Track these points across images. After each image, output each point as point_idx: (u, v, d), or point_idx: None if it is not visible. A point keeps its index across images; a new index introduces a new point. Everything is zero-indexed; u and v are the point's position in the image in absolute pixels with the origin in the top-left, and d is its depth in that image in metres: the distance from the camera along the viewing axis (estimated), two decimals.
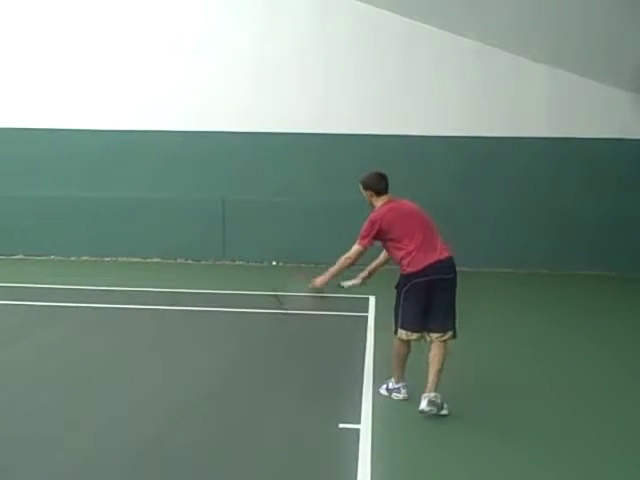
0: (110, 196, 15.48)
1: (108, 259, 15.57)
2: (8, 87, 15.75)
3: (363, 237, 6.77)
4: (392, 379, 6.69)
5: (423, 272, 6.49)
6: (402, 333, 6.54)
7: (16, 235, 15.61)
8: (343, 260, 6.80)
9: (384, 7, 14.94)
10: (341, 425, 5.74)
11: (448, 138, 15.04)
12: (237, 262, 15.46)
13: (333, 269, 6.80)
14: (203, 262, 15.51)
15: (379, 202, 6.93)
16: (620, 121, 14.61)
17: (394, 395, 6.60)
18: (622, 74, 14.21)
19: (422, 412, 6.05)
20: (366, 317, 9.99)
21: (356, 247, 6.78)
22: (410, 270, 6.54)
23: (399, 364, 6.65)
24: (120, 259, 15.57)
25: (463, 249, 15.28)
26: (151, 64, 15.52)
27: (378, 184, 6.99)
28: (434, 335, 6.52)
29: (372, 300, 11.16)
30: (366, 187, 7.03)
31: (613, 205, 14.90)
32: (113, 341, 8.58)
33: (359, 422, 5.83)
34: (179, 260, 15.59)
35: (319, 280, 6.81)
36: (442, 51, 15.10)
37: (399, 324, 6.57)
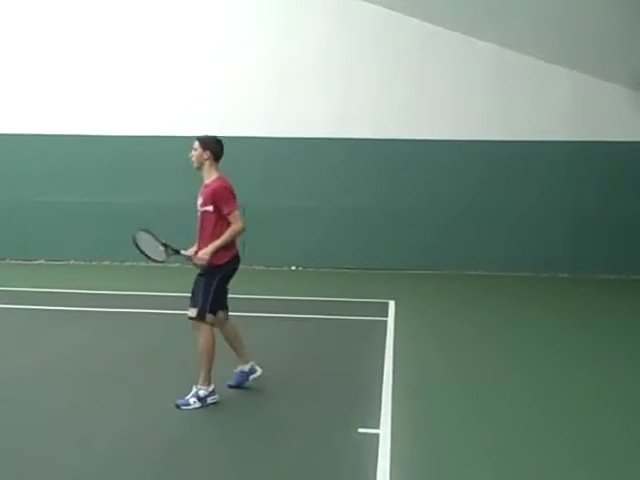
0: (131, 201, 15.57)
1: (128, 264, 15.65)
2: (35, 94, 15.90)
3: (235, 204, 6.53)
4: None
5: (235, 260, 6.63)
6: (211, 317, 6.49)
7: (37, 240, 15.75)
8: (236, 234, 6.52)
9: (403, 11, 14.96)
10: (361, 430, 5.72)
11: (467, 142, 15.01)
12: (256, 267, 15.49)
13: (222, 242, 6.46)
14: None
15: (215, 171, 6.76)
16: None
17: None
18: None
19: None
20: (385, 321, 9.97)
21: (237, 214, 6.47)
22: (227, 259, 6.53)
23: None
24: (140, 264, 15.61)
25: (483, 253, 15.42)
26: (172, 70, 15.63)
27: (221, 149, 6.81)
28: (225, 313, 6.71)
29: (392, 305, 11.15)
30: (206, 148, 6.72)
31: (634, 208, 14.80)
32: (133, 345, 8.62)
33: (378, 427, 5.80)
34: None
35: (203, 252, 6.47)
36: (461, 55, 15.10)
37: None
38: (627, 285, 14.29)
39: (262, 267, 15.47)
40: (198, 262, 6.49)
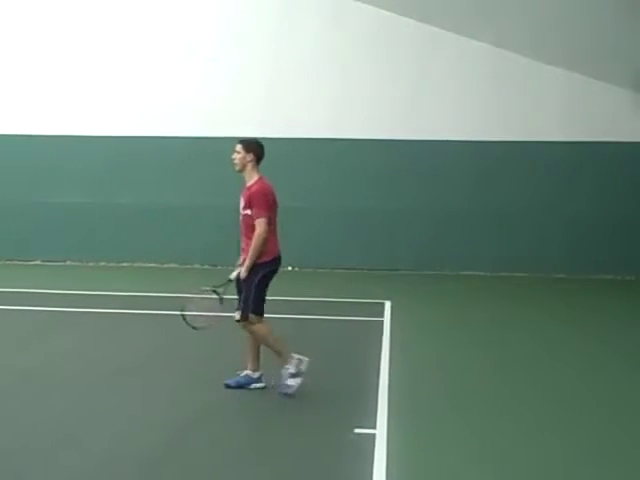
0: (127, 202, 15.58)
1: (125, 265, 15.65)
2: (29, 95, 15.90)
3: (266, 209, 6.56)
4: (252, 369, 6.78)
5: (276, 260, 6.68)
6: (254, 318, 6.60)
7: (34, 241, 15.74)
8: (259, 240, 6.53)
9: (399, 12, 14.97)
10: (357, 430, 5.74)
11: (463, 142, 15.03)
12: None
13: (253, 253, 6.54)
14: (219, 267, 15.54)
15: (256, 174, 6.79)
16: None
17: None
18: (638, 77, 14.16)
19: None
20: (382, 322, 9.98)
21: (261, 221, 6.51)
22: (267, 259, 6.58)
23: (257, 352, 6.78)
24: (137, 265, 15.65)
25: (478, 253, 15.44)
26: (166, 70, 15.63)
27: (263, 151, 6.86)
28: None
29: (388, 305, 11.17)
30: (249, 151, 6.75)
31: (629, 208, 14.84)
32: (130, 346, 8.63)
33: (375, 427, 5.82)
34: (195, 265, 15.65)
35: (243, 270, 6.60)
36: (458, 56, 15.12)
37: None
38: (622, 285, 14.33)
39: None
40: (243, 276, 6.60)
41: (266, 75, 15.46)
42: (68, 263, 15.71)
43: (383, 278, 14.37)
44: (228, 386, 6.77)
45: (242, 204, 6.68)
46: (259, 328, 6.64)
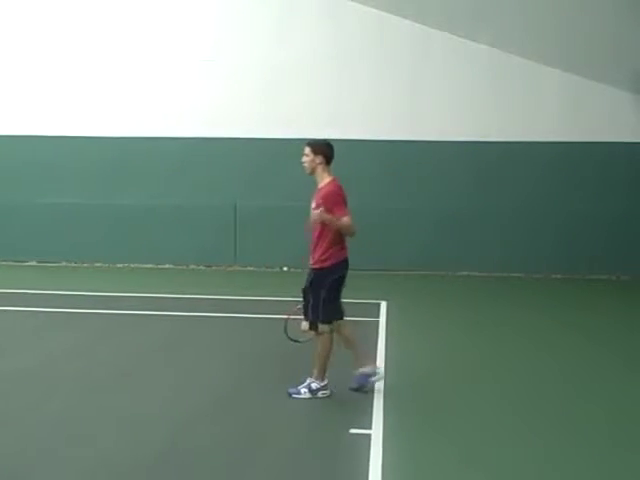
0: (123, 203, 15.56)
1: (121, 265, 15.63)
2: (24, 95, 15.86)
3: (345, 206, 6.45)
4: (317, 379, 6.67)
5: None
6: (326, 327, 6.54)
7: (28, 242, 15.71)
8: (350, 228, 6.39)
9: (396, 13, 14.96)
10: (352, 430, 5.74)
11: (460, 143, 15.03)
12: (249, 268, 15.49)
13: (342, 224, 6.33)
14: (215, 268, 15.56)
15: (327, 175, 6.67)
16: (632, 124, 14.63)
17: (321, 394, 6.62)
18: (634, 78, 14.18)
19: None
20: (377, 322, 9.99)
21: (348, 218, 6.38)
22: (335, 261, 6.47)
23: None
24: (133, 265, 15.63)
25: (474, 254, 15.44)
26: (164, 71, 15.61)
27: (331, 151, 6.70)
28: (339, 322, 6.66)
29: (384, 305, 11.17)
30: (317, 153, 6.62)
31: (626, 208, 14.85)
32: (126, 347, 8.61)
33: (370, 427, 5.82)
34: (191, 266, 15.64)
35: (325, 216, 6.32)
36: (454, 56, 15.13)
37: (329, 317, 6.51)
38: (618, 285, 14.34)
39: (253, 268, 15.47)
40: (314, 217, 6.37)
41: (263, 76, 15.44)
42: (63, 264, 15.68)
43: (379, 278, 14.36)
44: (353, 389, 6.74)
45: (313, 205, 6.55)
46: (327, 338, 6.54)
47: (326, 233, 6.40)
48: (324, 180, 6.62)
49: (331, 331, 6.54)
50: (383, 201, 15.17)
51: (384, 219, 15.19)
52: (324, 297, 6.42)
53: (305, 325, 6.55)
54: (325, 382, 6.58)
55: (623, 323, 10.75)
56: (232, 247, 15.55)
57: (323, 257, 6.43)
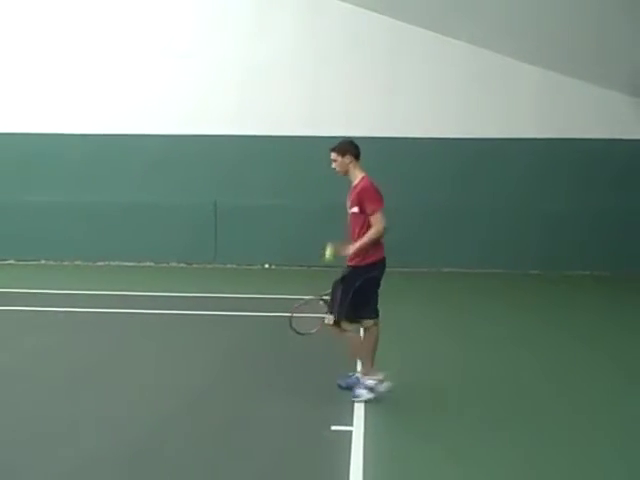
0: (102, 200, 15.46)
1: (101, 263, 15.53)
2: (1, 92, 15.71)
3: (379, 201, 6.48)
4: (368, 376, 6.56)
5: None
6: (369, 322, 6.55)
7: (7, 240, 15.56)
8: (377, 233, 6.45)
9: (374, 9, 14.96)
10: (334, 427, 5.75)
11: (440, 140, 15.06)
12: (229, 265, 15.45)
13: (366, 240, 6.41)
14: (195, 265, 15.50)
15: (359, 171, 6.67)
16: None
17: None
18: (613, 75, 14.28)
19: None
20: None
21: (378, 216, 6.43)
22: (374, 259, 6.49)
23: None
24: (113, 263, 15.54)
25: (456, 250, 15.50)
26: (140, 68, 15.51)
27: (357, 147, 6.68)
28: (371, 321, 6.64)
29: None
30: (345, 154, 6.61)
31: (605, 205, 14.95)
32: (106, 345, 8.58)
33: (352, 424, 5.83)
34: (172, 264, 15.58)
35: (350, 249, 6.42)
36: (433, 53, 15.14)
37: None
38: (597, 282, 14.43)
39: (234, 265, 15.43)
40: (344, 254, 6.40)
41: (241, 72, 15.39)
42: (42, 262, 15.56)
43: None
44: (341, 387, 6.67)
45: (349, 204, 6.61)
46: (373, 332, 6.56)
47: (364, 232, 6.44)
48: (357, 177, 6.65)
49: (375, 323, 6.56)
50: None
51: None
52: (351, 297, 6.39)
53: (330, 319, 6.47)
54: (380, 376, 6.49)
55: (604, 319, 10.82)
56: (212, 244, 15.50)
57: (360, 255, 6.42)
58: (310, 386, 6.96)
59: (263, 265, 15.49)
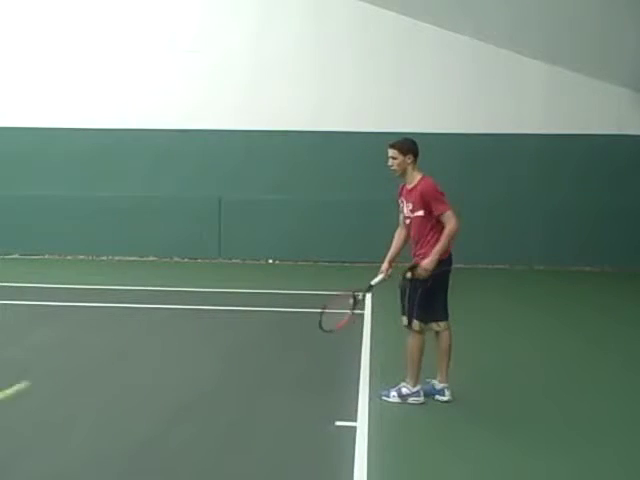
0: (106, 195, 15.47)
1: (104, 258, 15.55)
2: (4, 87, 15.71)
3: (446, 200, 6.18)
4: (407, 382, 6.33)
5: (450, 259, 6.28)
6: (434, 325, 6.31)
7: (11, 235, 15.58)
8: (452, 234, 6.15)
9: (380, 5, 14.92)
10: (338, 423, 5.73)
11: (444, 135, 15.02)
12: (233, 260, 15.44)
13: (440, 248, 6.09)
14: (199, 260, 15.50)
15: (418, 172, 6.40)
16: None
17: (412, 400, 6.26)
18: (618, 70, 14.23)
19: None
20: (362, 314, 9.96)
21: (450, 214, 6.12)
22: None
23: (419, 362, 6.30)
24: (116, 258, 15.55)
25: (459, 245, 15.43)
26: (146, 63, 15.51)
27: (417, 147, 6.41)
28: (442, 324, 6.38)
29: (368, 297, 11.12)
30: (406, 152, 6.35)
31: (609, 200, 14.93)
32: (109, 340, 8.56)
33: (356, 420, 5.81)
34: (175, 259, 15.58)
35: (427, 262, 6.04)
36: (439, 49, 15.13)
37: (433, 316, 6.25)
38: (601, 276, 14.41)
39: (239, 260, 15.43)
40: (423, 274, 6.06)
41: (247, 67, 15.39)
42: (47, 257, 15.58)
43: (364, 271, 14.30)
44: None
45: (409, 207, 6.31)
46: (415, 337, 6.22)
47: (434, 231, 6.17)
48: (416, 178, 6.37)
49: (422, 331, 6.24)
50: (367, 193, 15.11)
51: (368, 211, 15.16)
52: (420, 297, 6.15)
53: (404, 320, 6.29)
54: (417, 388, 6.23)
55: (609, 314, 10.79)
56: (216, 239, 15.50)
57: (430, 252, 6.12)
58: (314, 381, 6.95)
59: (267, 260, 15.49)
